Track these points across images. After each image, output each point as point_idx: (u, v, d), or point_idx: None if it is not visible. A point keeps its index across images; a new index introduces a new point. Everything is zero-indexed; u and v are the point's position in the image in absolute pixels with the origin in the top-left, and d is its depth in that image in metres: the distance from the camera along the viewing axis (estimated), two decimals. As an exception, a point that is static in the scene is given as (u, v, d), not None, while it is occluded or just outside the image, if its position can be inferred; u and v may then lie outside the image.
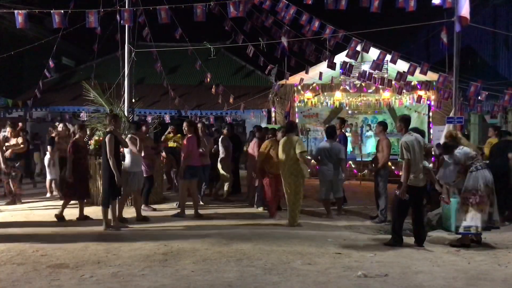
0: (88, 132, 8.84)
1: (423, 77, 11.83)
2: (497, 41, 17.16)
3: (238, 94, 16.12)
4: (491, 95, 10.50)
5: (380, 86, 12.84)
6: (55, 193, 9.98)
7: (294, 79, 13.61)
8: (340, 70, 12.54)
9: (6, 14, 11.92)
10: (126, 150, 7.45)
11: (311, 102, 14.08)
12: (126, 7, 9.83)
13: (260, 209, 8.56)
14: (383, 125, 8.15)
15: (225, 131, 9.81)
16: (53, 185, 10.02)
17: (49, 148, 9.97)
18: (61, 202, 9.12)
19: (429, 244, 6.20)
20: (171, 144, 10.44)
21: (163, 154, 9.82)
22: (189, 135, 7.96)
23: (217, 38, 20.12)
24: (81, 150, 7.64)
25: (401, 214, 6.12)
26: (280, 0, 9.20)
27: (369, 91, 13.68)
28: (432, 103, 13.38)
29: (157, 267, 4.94)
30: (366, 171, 12.70)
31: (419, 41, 22.57)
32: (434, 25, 11.28)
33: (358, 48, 9.32)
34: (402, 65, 10.99)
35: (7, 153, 8.97)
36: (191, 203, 7.95)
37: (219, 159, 9.40)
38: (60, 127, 10.14)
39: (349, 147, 13.41)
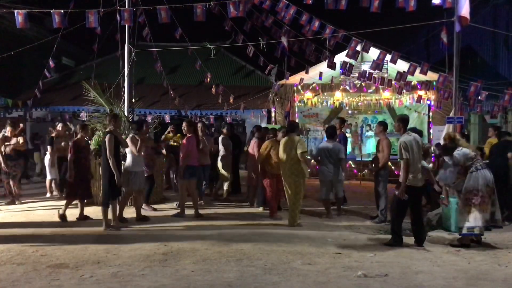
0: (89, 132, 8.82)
1: (423, 77, 11.83)
2: (497, 41, 17.16)
3: (238, 94, 16.12)
4: (491, 95, 10.50)
5: (380, 86, 12.84)
6: (55, 193, 9.98)
7: (294, 79, 13.61)
8: (340, 70, 12.54)
9: (6, 14, 11.92)
10: (127, 150, 7.45)
11: (311, 102, 14.09)
12: (126, 7, 9.82)
13: (260, 209, 8.56)
14: (383, 125, 8.15)
15: (224, 130, 9.80)
16: (53, 185, 10.01)
17: (49, 148, 9.96)
18: (60, 202, 9.19)
19: (429, 244, 6.20)
20: (171, 143, 10.44)
21: (164, 151, 9.83)
22: (189, 135, 7.96)
23: (217, 38, 20.14)
24: (82, 150, 7.63)
25: (400, 214, 6.13)
26: (280, 0, 9.20)
27: (369, 91, 13.69)
28: (432, 103, 13.39)
29: (157, 267, 4.94)
30: (366, 171, 12.70)
31: (419, 41, 22.57)
32: (434, 25, 11.29)
33: (358, 48, 9.32)
34: (402, 65, 10.99)
35: (8, 149, 8.95)
36: (191, 203, 7.94)
37: (219, 157, 9.40)
38: (59, 126, 10.14)
39: (349, 147, 13.41)
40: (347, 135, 12.94)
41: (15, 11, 8.73)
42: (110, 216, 6.88)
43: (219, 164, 9.41)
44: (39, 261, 5.11)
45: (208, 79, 14.26)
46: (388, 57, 10.18)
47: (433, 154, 9.72)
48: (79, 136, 7.78)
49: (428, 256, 5.58)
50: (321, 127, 14.49)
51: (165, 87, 14.39)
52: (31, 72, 17.79)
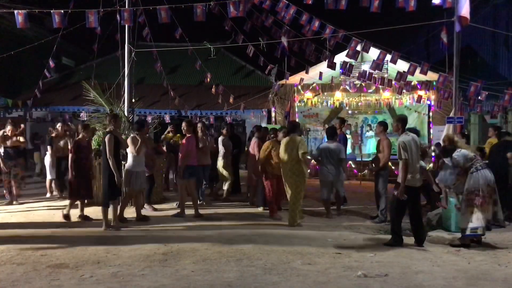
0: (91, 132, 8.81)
1: (423, 77, 11.83)
2: (497, 41, 17.16)
3: (238, 94, 16.12)
4: (491, 95, 10.50)
5: (380, 86, 12.85)
6: (55, 193, 9.97)
7: (294, 79, 13.61)
8: (340, 70, 12.54)
9: (6, 14, 11.91)
10: (128, 150, 7.45)
11: (311, 102, 14.09)
12: (126, 7, 9.81)
13: (260, 209, 8.56)
14: (383, 125, 8.15)
15: (224, 131, 9.79)
16: (53, 185, 10.01)
17: (49, 148, 9.96)
18: (60, 202, 9.20)
19: (429, 244, 6.20)
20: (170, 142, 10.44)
21: (164, 148, 9.82)
22: (188, 135, 7.96)
23: (217, 38, 20.14)
24: (83, 150, 7.62)
25: (399, 214, 6.14)
26: (280, 0, 9.20)
27: (369, 91, 13.69)
28: (432, 103, 13.39)
29: (157, 267, 4.93)
30: (366, 171, 12.70)
31: (419, 41, 22.58)
32: (434, 25, 11.29)
33: (358, 48, 9.32)
34: (402, 65, 10.99)
35: (8, 142, 8.95)
36: (191, 203, 7.94)
37: (219, 158, 9.39)
38: (58, 126, 10.14)
39: (349, 147, 13.41)
40: (347, 135, 12.97)
41: (15, 11, 8.73)
42: (110, 216, 6.88)
43: (219, 164, 9.41)
44: (39, 261, 5.11)
45: (208, 79, 14.26)
46: (388, 57, 10.18)
47: (433, 154, 9.73)
48: (80, 136, 7.77)
49: (428, 256, 5.58)
50: (321, 127, 14.49)
51: (165, 87, 14.40)
52: (31, 72, 17.79)
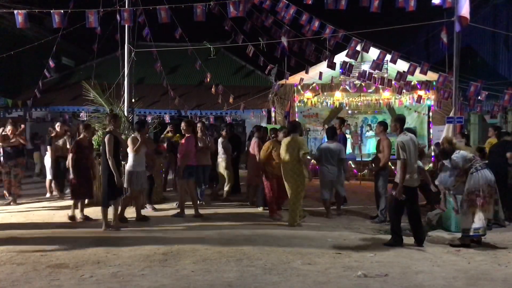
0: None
1: (423, 77, 11.83)
2: (497, 41, 17.15)
3: (238, 94, 16.13)
4: (491, 95, 10.51)
5: (380, 86, 12.84)
6: (54, 193, 9.97)
7: (294, 79, 13.61)
8: (340, 70, 12.54)
9: (6, 14, 11.91)
10: (129, 150, 7.46)
11: (311, 102, 14.07)
12: (126, 7, 9.82)
13: (260, 209, 8.56)
14: (383, 125, 8.14)
15: (223, 133, 9.77)
16: (52, 185, 10.01)
17: (49, 148, 9.96)
18: (60, 202, 9.20)
19: (429, 244, 6.20)
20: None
21: (165, 145, 9.83)
22: (187, 135, 7.96)
23: (217, 38, 20.14)
24: (84, 150, 7.61)
25: (398, 213, 6.15)
26: (280, 0, 9.20)
27: (369, 91, 13.68)
28: (432, 103, 13.38)
29: (157, 267, 4.93)
30: (366, 171, 12.69)
31: (419, 41, 22.58)
32: (434, 25, 11.30)
33: (358, 48, 9.32)
34: (402, 65, 10.99)
35: (8, 142, 8.94)
36: (191, 203, 7.94)
37: (220, 158, 9.39)
38: (57, 126, 10.15)
39: (349, 147, 13.41)
40: (347, 135, 12.97)
41: (15, 11, 8.74)
42: (110, 216, 6.88)
43: (219, 165, 9.40)
44: (39, 261, 5.11)
45: (208, 79, 14.26)
46: (388, 57, 10.18)
47: (433, 154, 9.74)
48: (82, 136, 7.77)
49: (428, 256, 5.58)
50: (321, 127, 14.50)
51: (165, 87, 14.40)
52: (31, 72, 17.80)
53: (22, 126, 10.13)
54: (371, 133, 14.58)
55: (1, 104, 16.41)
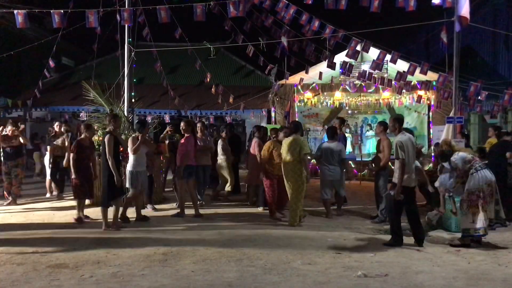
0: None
1: (423, 77, 11.84)
2: (497, 41, 17.16)
3: (238, 94, 16.12)
4: (491, 95, 10.51)
5: (380, 86, 12.84)
6: (54, 193, 9.96)
7: (294, 79, 13.61)
8: (340, 70, 12.54)
9: (6, 14, 11.92)
10: (129, 150, 7.46)
11: (311, 102, 14.08)
12: (126, 7, 9.82)
13: (260, 209, 8.56)
14: (383, 125, 8.12)
15: (223, 134, 9.76)
16: (52, 185, 10.00)
17: (49, 148, 9.95)
18: (61, 202, 9.20)
19: (429, 244, 6.20)
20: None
21: (167, 142, 9.82)
22: (187, 135, 7.95)
23: (217, 38, 20.15)
24: (85, 150, 7.60)
25: (397, 213, 6.14)
26: (280, 0, 9.20)
27: (369, 91, 13.69)
28: (432, 102, 13.39)
29: (157, 267, 4.93)
30: (366, 171, 12.70)
31: (419, 41, 22.58)
32: (434, 25, 11.30)
33: (358, 48, 9.32)
34: (402, 65, 11.00)
35: (8, 143, 8.94)
36: (191, 203, 7.94)
37: (220, 158, 9.38)
38: (56, 125, 10.14)
39: (349, 147, 13.42)
40: (347, 134, 12.98)
41: (15, 11, 8.73)
42: (110, 216, 6.88)
43: (219, 165, 9.40)
44: (38, 261, 5.11)
45: (208, 79, 14.26)
46: (388, 57, 10.18)
47: (433, 154, 9.73)
48: (83, 136, 7.76)
49: (428, 256, 5.58)
50: (321, 127, 14.51)
51: (165, 87, 14.40)
52: (31, 72, 17.81)
53: (22, 126, 10.14)
54: (371, 133, 14.58)
55: (1, 104, 16.41)
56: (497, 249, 5.99)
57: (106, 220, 6.83)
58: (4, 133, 9.13)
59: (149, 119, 14.76)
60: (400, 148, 5.94)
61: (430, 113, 13.57)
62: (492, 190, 5.98)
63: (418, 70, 10.12)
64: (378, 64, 10.10)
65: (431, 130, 13.26)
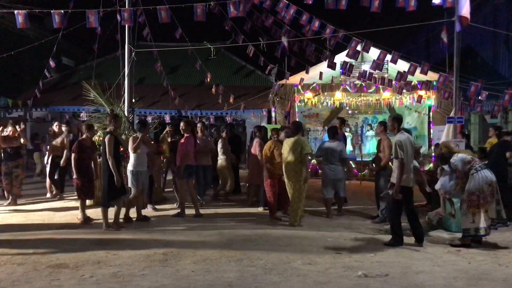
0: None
1: (423, 77, 11.83)
2: (498, 41, 17.16)
3: (238, 94, 16.11)
4: (491, 95, 10.49)
5: (380, 86, 12.84)
6: (54, 192, 9.96)
7: (294, 79, 13.61)
8: (341, 70, 12.54)
9: (6, 14, 11.92)
10: (129, 150, 7.46)
11: (311, 102, 14.08)
12: (126, 7, 9.82)
13: (261, 209, 8.56)
14: (384, 125, 8.10)
15: (223, 134, 9.76)
16: (52, 185, 9.99)
17: (49, 148, 9.95)
18: (61, 203, 9.20)
19: (429, 244, 6.19)
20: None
21: (168, 139, 9.83)
22: (187, 135, 7.95)
23: (217, 38, 20.14)
24: (86, 150, 7.60)
25: (397, 213, 6.14)
26: (280, 0, 9.19)
27: (370, 91, 13.68)
28: (433, 102, 13.38)
29: (157, 267, 4.93)
30: (366, 171, 12.69)
31: (419, 41, 22.58)
32: (434, 25, 11.28)
33: (359, 48, 9.31)
34: (403, 65, 10.99)
35: (8, 143, 8.94)
36: (191, 203, 7.94)
37: (220, 158, 9.38)
38: (55, 125, 10.12)
39: (349, 147, 13.42)
40: (347, 134, 12.98)
41: (15, 11, 8.73)
42: (110, 216, 6.87)
43: (219, 165, 9.40)
44: (39, 261, 5.11)
45: (208, 79, 14.25)
46: (389, 57, 10.18)
47: (433, 154, 9.73)
48: (84, 136, 7.76)
49: (428, 256, 5.57)
50: (321, 127, 14.50)
51: (165, 87, 14.40)
52: (31, 72, 17.82)
53: (22, 126, 10.14)
54: (371, 133, 14.58)
55: (2, 104, 16.42)
56: (497, 249, 5.98)
57: (107, 220, 6.83)
58: (4, 133, 9.13)
59: (149, 119, 14.76)
60: (399, 148, 5.95)
61: (431, 113, 13.57)
62: (492, 190, 5.98)
63: (418, 70, 10.10)
64: (378, 64, 10.10)
65: (431, 130, 13.25)
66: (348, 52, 9.44)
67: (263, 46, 11.47)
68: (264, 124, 14.37)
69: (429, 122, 13.62)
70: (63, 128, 10.15)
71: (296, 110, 14.21)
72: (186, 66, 18.08)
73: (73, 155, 7.48)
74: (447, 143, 6.75)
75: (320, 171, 8.64)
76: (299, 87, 13.78)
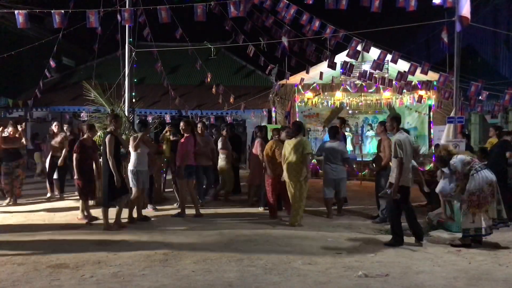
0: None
1: (423, 77, 11.82)
2: (498, 40, 17.14)
3: (239, 94, 16.11)
4: (491, 95, 10.47)
5: (380, 86, 12.83)
6: (55, 193, 9.96)
7: (294, 79, 13.60)
8: (341, 70, 12.53)
9: (7, 14, 11.92)
10: (130, 149, 7.46)
11: (312, 102, 14.08)
12: (127, 7, 9.82)
13: (260, 209, 8.56)
14: (384, 125, 8.10)
15: (224, 132, 9.76)
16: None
17: (49, 147, 9.95)
18: (61, 203, 9.20)
19: (429, 244, 6.20)
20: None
21: (171, 137, 9.83)
22: (187, 135, 7.95)
23: (217, 38, 20.13)
24: (87, 150, 7.60)
25: (397, 213, 6.14)
26: (281, 0, 9.19)
27: (370, 91, 13.67)
28: (433, 102, 13.37)
29: (157, 267, 4.93)
30: (366, 171, 12.69)
31: (419, 41, 22.57)
32: (435, 25, 11.28)
33: (359, 47, 9.30)
34: (403, 65, 10.98)
35: (9, 144, 8.94)
36: (192, 204, 7.94)
37: (220, 158, 9.38)
38: (54, 125, 10.13)
39: (349, 146, 13.41)
40: (347, 133, 12.97)
41: (16, 11, 8.73)
42: (111, 216, 6.87)
43: (220, 165, 9.40)
44: (39, 261, 5.11)
45: (209, 79, 14.24)
46: (389, 57, 10.17)
47: (433, 154, 9.72)
48: (85, 136, 7.76)
49: (428, 256, 5.57)
50: (321, 127, 14.49)
51: (166, 87, 14.38)
52: (32, 72, 17.80)
53: (23, 126, 10.14)
54: (371, 133, 14.57)
55: (2, 104, 16.42)
56: (498, 249, 5.98)
57: (107, 220, 6.84)
58: (5, 134, 9.14)
59: (149, 119, 14.75)
60: (398, 147, 5.95)
61: (431, 113, 13.56)
62: (493, 189, 5.98)
63: (419, 70, 10.08)
64: (378, 64, 10.09)
65: (431, 130, 13.25)
66: (348, 52, 9.43)
67: (263, 46, 11.46)
68: (264, 124, 14.38)
69: (429, 122, 13.62)
70: (65, 128, 10.15)
71: (297, 110, 14.20)
72: (186, 66, 18.08)
73: (74, 155, 7.48)
74: (446, 146, 6.75)
75: (320, 171, 8.61)
76: (300, 87, 13.78)
